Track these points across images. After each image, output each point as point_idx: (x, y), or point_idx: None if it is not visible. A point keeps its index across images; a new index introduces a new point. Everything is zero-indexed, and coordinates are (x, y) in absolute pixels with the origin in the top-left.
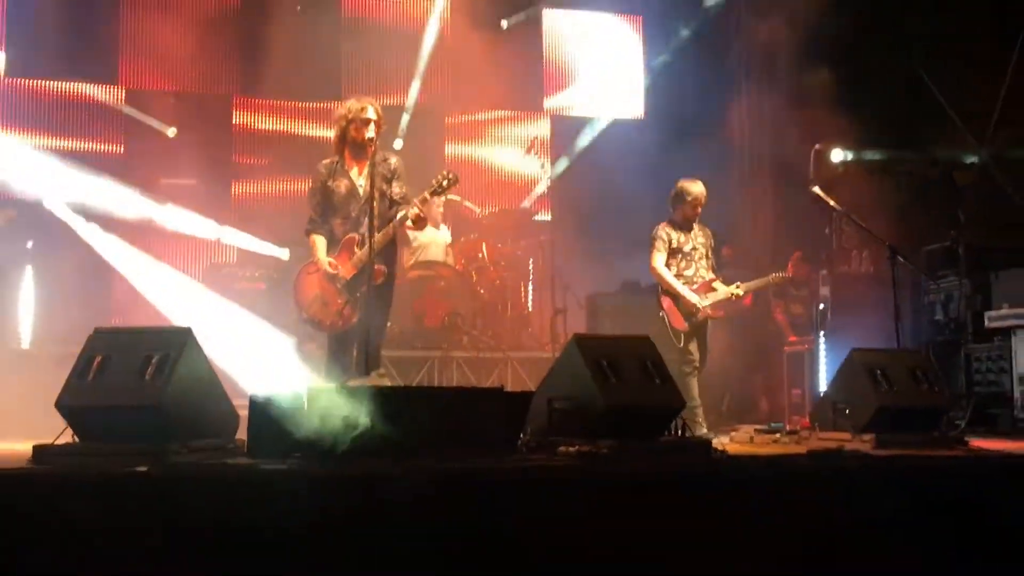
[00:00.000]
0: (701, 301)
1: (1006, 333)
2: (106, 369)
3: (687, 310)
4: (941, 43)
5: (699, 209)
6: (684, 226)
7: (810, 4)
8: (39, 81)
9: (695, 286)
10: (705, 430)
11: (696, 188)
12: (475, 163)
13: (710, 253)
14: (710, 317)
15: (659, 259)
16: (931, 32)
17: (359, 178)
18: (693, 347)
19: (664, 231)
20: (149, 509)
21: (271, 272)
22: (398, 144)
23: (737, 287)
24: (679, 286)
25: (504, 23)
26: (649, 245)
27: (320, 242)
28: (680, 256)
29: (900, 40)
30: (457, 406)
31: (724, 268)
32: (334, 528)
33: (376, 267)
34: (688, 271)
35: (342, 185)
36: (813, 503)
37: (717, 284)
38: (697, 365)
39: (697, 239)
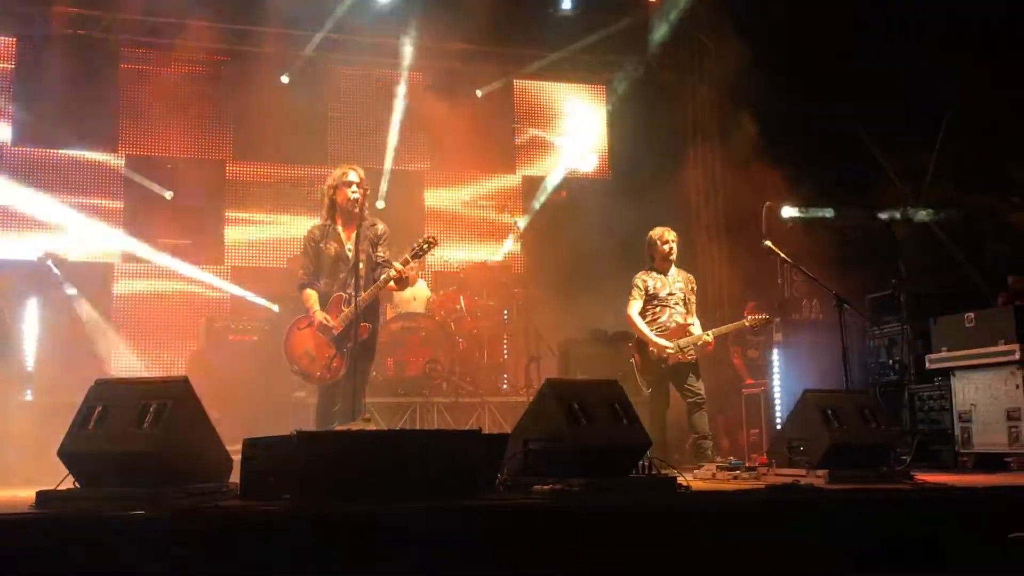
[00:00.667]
0: (670, 347)
1: (946, 374)
2: (106, 418)
3: (657, 356)
4: (880, 104)
5: (670, 252)
6: (661, 272)
7: (754, 68)
8: (43, 150)
9: (667, 331)
10: (719, 459)
11: (660, 232)
12: (452, 220)
13: (690, 298)
14: (680, 361)
15: (633, 307)
16: (870, 94)
17: (348, 242)
18: (695, 383)
19: (640, 278)
20: (148, 551)
21: (263, 324)
22: (380, 204)
23: (707, 334)
24: (649, 333)
25: (479, 92)
26: (627, 293)
27: (314, 296)
28: (656, 302)
29: (844, 103)
30: (437, 448)
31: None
32: (324, 565)
33: (362, 324)
34: (662, 317)
35: (332, 248)
36: (771, 532)
37: (693, 329)
38: (702, 400)
39: (675, 284)
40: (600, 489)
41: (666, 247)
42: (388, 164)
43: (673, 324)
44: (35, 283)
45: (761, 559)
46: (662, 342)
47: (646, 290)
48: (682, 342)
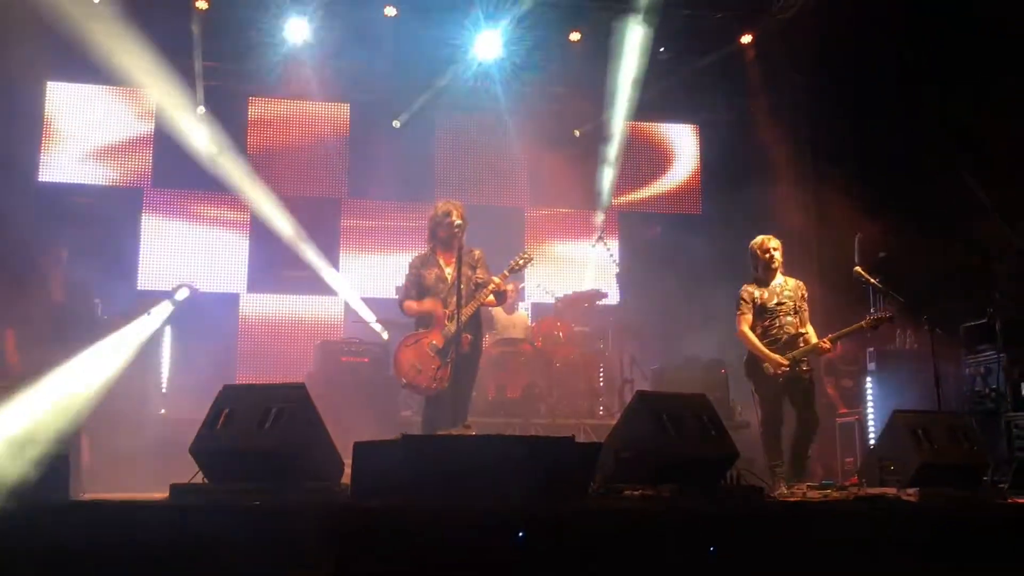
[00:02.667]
0: (784, 362)
1: None
2: (232, 419)
3: (773, 372)
4: (980, 134)
5: (771, 260)
6: (765, 281)
7: (847, 105)
8: (180, 191)
9: (779, 342)
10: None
11: (760, 241)
12: (552, 253)
13: (801, 306)
14: (798, 374)
15: (742, 323)
16: (970, 123)
17: (447, 267)
18: (811, 403)
19: (745, 291)
20: (266, 539)
21: (372, 348)
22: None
23: (825, 340)
24: (762, 348)
25: (577, 132)
26: (735, 308)
27: (415, 303)
28: (765, 314)
29: (940, 131)
30: (534, 454)
31: None
32: (428, 561)
33: (463, 336)
34: (773, 329)
35: (432, 273)
36: (859, 541)
37: (807, 339)
38: (815, 423)
39: (783, 293)
40: (688, 495)
41: (767, 255)
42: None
43: (785, 336)
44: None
45: (845, 566)
46: (776, 357)
47: (753, 303)
48: (796, 354)
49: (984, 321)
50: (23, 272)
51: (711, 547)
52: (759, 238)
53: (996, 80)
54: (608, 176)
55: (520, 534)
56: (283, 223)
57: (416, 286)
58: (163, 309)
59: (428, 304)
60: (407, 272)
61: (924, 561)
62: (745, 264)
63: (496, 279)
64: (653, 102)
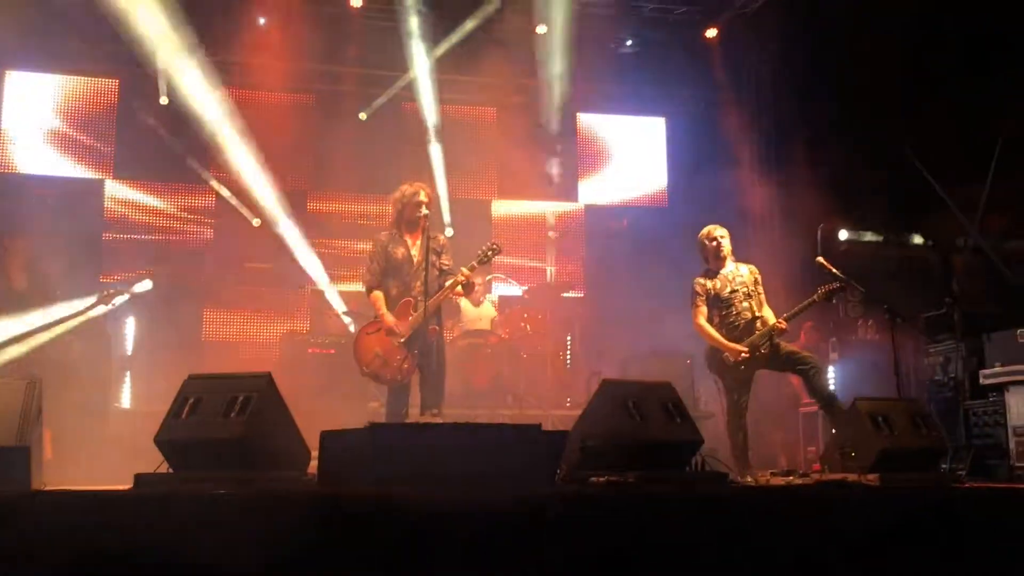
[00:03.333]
0: (743, 350)
1: (1000, 389)
2: (197, 408)
3: (733, 361)
4: (934, 134)
5: (719, 248)
6: (716, 270)
7: (811, 99)
8: (142, 182)
9: (738, 329)
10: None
11: (706, 231)
12: (517, 245)
13: (756, 289)
14: (758, 357)
15: (697, 315)
16: (924, 120)
17: (413, 248)
18: (793, 353)
19: (697, 284)
20: (231, 529)
21: (339, 339)
22: (449, 232)
23: (779, 320)
24: (719, 339)
25: (542, 124)
26: (690, 303)
27: (382, 298)
28: (720, 303)
29: (897, 126)
30: (501, 441)
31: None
32: (394, 548)
33: (430, 327)
34: (730, 317)
35: (399, 252)
36: (819, 525)
37: (761, 323)
38: (809, 363)
39: (736, 280)
40: (653, 481)
41: (714, 243)
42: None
43: (742, 322)
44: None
45: (805, 546)
46: (734, 346)
47: (707, 294)
48: (754, 339)
49: (943, 312)
50: None
51: (676, 531)
52: (705, 228)
53: (954, 77)
54: (575, 168)
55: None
56: (249, 214)
57: (381, 264)
58: (118, 299)
59: (389, 321)
60: (371, 249)
61: (885, 543)
62: None
63: (464, 270)
64: (620, 95)
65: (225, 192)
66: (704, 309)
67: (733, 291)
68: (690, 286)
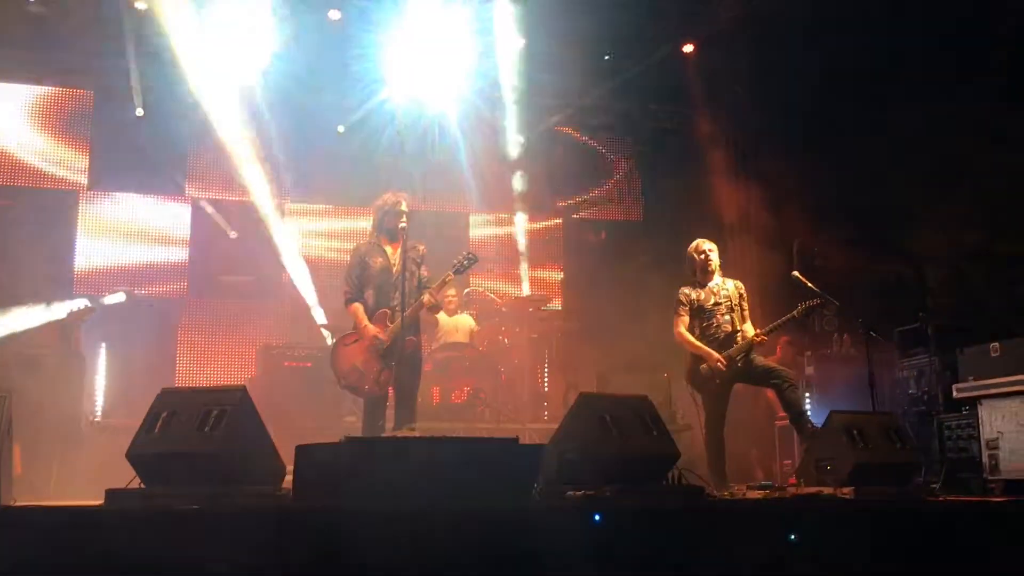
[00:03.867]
0: (721, 359)
1: (973, 403)
2: (171, 423)
3: (709, 370)
4: (908, 150)
5: (707, 262)
6: (703, 283)
7: (784, 115)
8: (118, 194)
9: (716, 342)
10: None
11: (695, 244)
12: (496, 259)
13: (740, 304)
14: (736, 369)
15: (679, 324)
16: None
17: (392, 257)
18: (769, 367)
19: (681, 293)
20: (205, 544)
21: (315, 352)
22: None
23: (757, 333)
24: (700, 346)
25: (521, 139)
26: (673, 311)
27: (361, 310)
28: (704, 315)
29: (871, 141)
30: (478, 455)
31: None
32: (371, 561)
33: (408, 338)
34: (710, 329)
35: (377, 262)
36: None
37: (741, 336)
38: (784, 377)
39: (721, 293)
40: (630, 495)
41: (702, 256)
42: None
43: (722, 335)
44: (110, 317)
45: (781, 559)
46: (714, 353)
47: (690, 304)
48: (732, 351)
49: (917, 326)
50: None
51: (653, 544)
52: (695, 242)
53: (929, 91)
54: (554, 183)
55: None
56: (224, 228)
57: (361, 274)
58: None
59: (372, 330)
60: (350, 259)
61: (860, 557)
62: (684, 271)
63: (432, 290)
64: (596, 109)
65: (205, 204)
66: (686, 319)
67: (716, 303)
68: (674, 296)
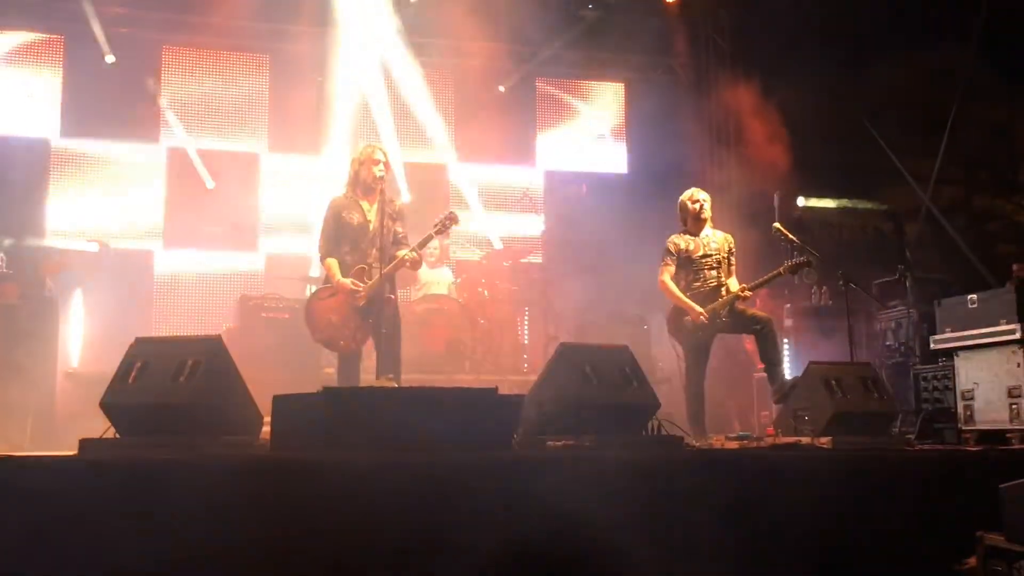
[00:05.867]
0: (703, 313)
1: (949, 354)
2: (145, 373)
3: (693, 323)
4: (891, 99)
5: (701, 211)
6: (694, 233)
7: (769, 69)
8: (90, 141)
9: (701, 294)
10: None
11: (690, 193)
12: (477, 210)
13: (728, 258)
14: (718, 323)
15: (663, 272)
16: (880, 94)
17: (369, 213)
18: (751, 315)
19: (670, 242)
20: (178, 494)
21: (292, 304)
22: (406, 199)
23: (742, 288)
24: (684, 299)
25: (501, 88)
26: (659, 259)
27: (336, 264)
28: (691, 265)
29: (855, 102)
30: (455, 405)
31: None
32: (346, 508)
33: (387, 296)
34: (696, 281)
35: (354, 218)
36: (773, 487)
37: (726, 290)
38: (764, 324)
39: (710, 245)
40: (609, 446)
41: (696, 206)
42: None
43: (707, 288)
44: (85, 267)
45: (759, 510)
46: (696, 307)
47: (678, 254)
48: (715, 305)
49: (896, 278)
50: None
51: (632, 494)
52: (689, 190)
53: (912, 47)
54: (534, 134)
55: None
56: (200, 176)
57: (336, 230)
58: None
59: (347, 286)
60: (325, 213)
61: (837, 504)
62: (669, 221)
63: (413, 249)
64: (580, 59)
65: (190, 152)
66: (672, 269)
67: (705, 256)
68: (663, 244)
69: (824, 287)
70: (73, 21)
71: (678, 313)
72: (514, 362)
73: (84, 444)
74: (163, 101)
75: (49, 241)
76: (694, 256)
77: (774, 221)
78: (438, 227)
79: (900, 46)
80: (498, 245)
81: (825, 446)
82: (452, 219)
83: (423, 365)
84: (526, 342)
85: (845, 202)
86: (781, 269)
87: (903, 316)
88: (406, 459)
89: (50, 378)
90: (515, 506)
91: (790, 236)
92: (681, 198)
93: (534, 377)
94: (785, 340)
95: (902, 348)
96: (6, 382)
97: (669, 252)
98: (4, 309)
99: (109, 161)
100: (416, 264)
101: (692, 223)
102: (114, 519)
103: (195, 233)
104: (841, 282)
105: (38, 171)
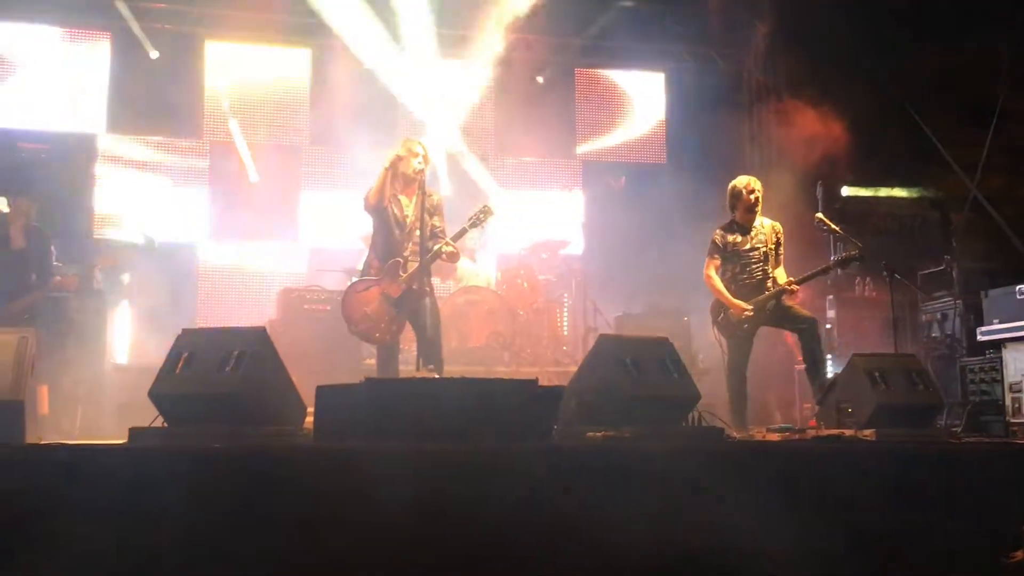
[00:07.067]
0: (747, 308)
1: (997, 346)
2: (191, 363)
3: (736, 318)
4: (937, 87)
5: (756, 203)
6: (743, 225)
7: (811, 56)
8: (136, 137)
9: (746, 287)
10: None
11: (746, 182)
12: (515, 203)
13: (775, 250)
14: (763, 317)
15: (709, 267)
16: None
17: (408, 208)
18: (796, 313)
19: (717, 235)
20: (225, 483)
21: (334, 295)
22: (446, 190)
23: (789, 282)
24: (726, 294)
25: (539, 78)
26: (705, 252)
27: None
28: (737, 259)
29: (899, 82)
30: (496, 395)
31: None
32: (387, 497)
33: (420, 288)
34: (742, 275)
35: (393, 207)
36: (816, 478)
37: (772, 282)
38: (809, 323)
39: (758, 236)
40: (648, 437)
41: (752, 197)
42: (457, 147)
43: (753, 280)
44: (132, 260)
45: (802, 502)
46: (740, 303)
47: (724, 247)
48: (762, 299)
49: (941, 268)
50: None
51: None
52: (744, 179)
53: (958, 33)
54: (573, 124)
55: None
56: (243, 169)
57: (376, 207)
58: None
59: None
60: (381, 172)
61: (880, 498)
62: (709, 211)
63: (448, 242)
64: (619, 49)
65: (238, 144)
66: (718, 262)
67: (752, 248)
68: (710, 237)
69: (868, 278)
70: (118, 19)
71: (721, 305)
72: (554, 354)
73: (134, 433)
74: (224, 100)
75: (97, 234)
76: (741, 249)
77: (816, 211)
78: (473, 220)
79: (946, 32)
80: (537, 237)
81: (868, 439)
82: (487, 212)
83: (463, 357)
84: (566, 333)
85: (889, 191)
86: (831, 263)
87: (949, 307)
88: (447, 449)
89: (99, 369)
90: (555, 497)
91: (833, 227)
92: (736, 185)
93: (574, 368)
94: (827, 331)
95: (948, 340)
96: (58, 373)
97: (716, 246)
98: (54, 301)
99: (154, 155)
100: (453, 257)
101: (743, 212)
102: (163, 506)
103: (238, 226)
104: (885, 273)
105: (86, 165)
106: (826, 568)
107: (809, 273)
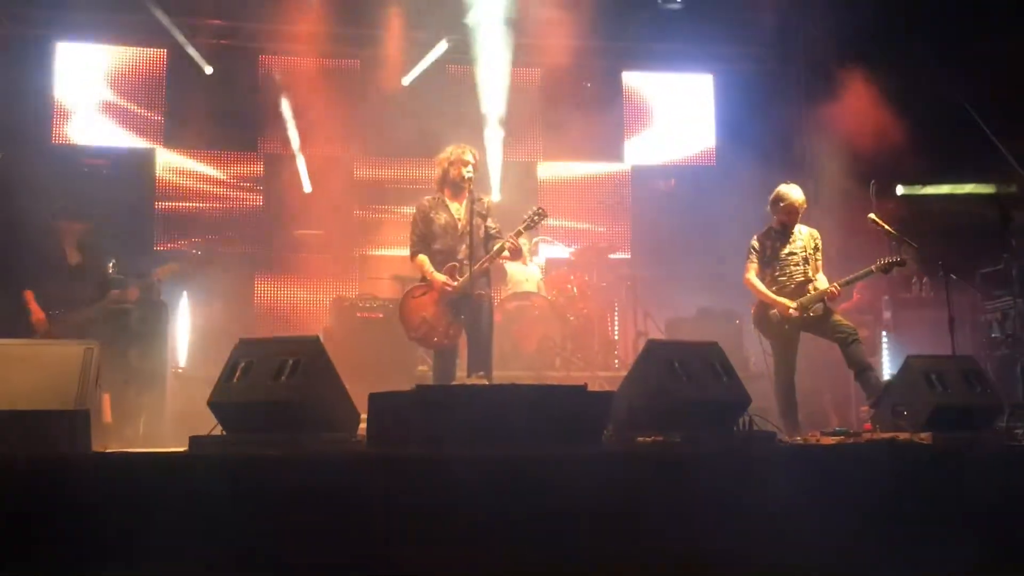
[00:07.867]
0: (792, 305)
1: None
2: (249, 372)
3: (779, 317)
4: (994, 83)
5: (795, 215)
6: (781, 232)
7: (862, 55)
8: (192, 151)
9: (785, 291)
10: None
11: (791, 194)
12: (564, 207)
13: (814, 255)
14: (807, 318)
15: (748, 270)
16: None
17: (458, 212)
18: (838, 322)
19: (756, 240)
20: (283, 489)
21: (386, 303)
22: (497, 198)
23: (832, 286)
24: (768, 293)
25: (587, 83)
26: (744, 258)
27: (427, 261)
28: (776, 262)
29: (955, 78)
30: (547, 401)
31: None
32: (439, 503)
33: (478, 292)
34: (781, 277)
35: (442, 217)
36: (869, 483)
37: (816, 286)
38: (851, 334)
39: (796, 243)
40: (700, 440)
41: (793, 204)
42: (500, 156)
43: (793, 284)
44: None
45: (854, 505)
46: (784, 301)
47: (762, 252)
48: (804, 300)
49: (1001, 267)
50: (39, 237)
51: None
52: (790, 187)
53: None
54: (621, 128)
55: None
56: (297, 180)
57: (424, 229)
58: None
59: (440, 280)
60: (414, 214)
61: (938, 502)
62: (759, 214)
63: (511, 236)
64: (666, 52)
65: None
66: (756, 266)
67: (791, 253)
68: (748, 243)
69: (924, 278)
70: (173, 36)
71: (763, 307)
72: (604, 358)
73: (194, 441)
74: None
75: (157, 247)
76: (780, 253)
77: (869, 212)
78: (527, 222)
79: (1003, 26)
80: (586, 242)
81: (925, 442)
82: (542, 215)
83: (513, 362)
84: (616, 338)
85: (945, 188)
86: (873, 267)
87: (1009, 307)
88: (497, 455)
89: (161, 378)
90: (607, 501)
91: (886, 227)
92: (780, 192)
93: (623, 373)
94: (884, 333)
95: (1009, 340)
96: (120, 383)
97: (754, 250)
98: (117, 313)
99: (210, 168)
100: (516, 253)
101: (787, 217)
102: (223, 512)
103: (293, 237)
104: (942, 272)
105: (145, 179)
106: (880, 571)
107: (851, 277)
